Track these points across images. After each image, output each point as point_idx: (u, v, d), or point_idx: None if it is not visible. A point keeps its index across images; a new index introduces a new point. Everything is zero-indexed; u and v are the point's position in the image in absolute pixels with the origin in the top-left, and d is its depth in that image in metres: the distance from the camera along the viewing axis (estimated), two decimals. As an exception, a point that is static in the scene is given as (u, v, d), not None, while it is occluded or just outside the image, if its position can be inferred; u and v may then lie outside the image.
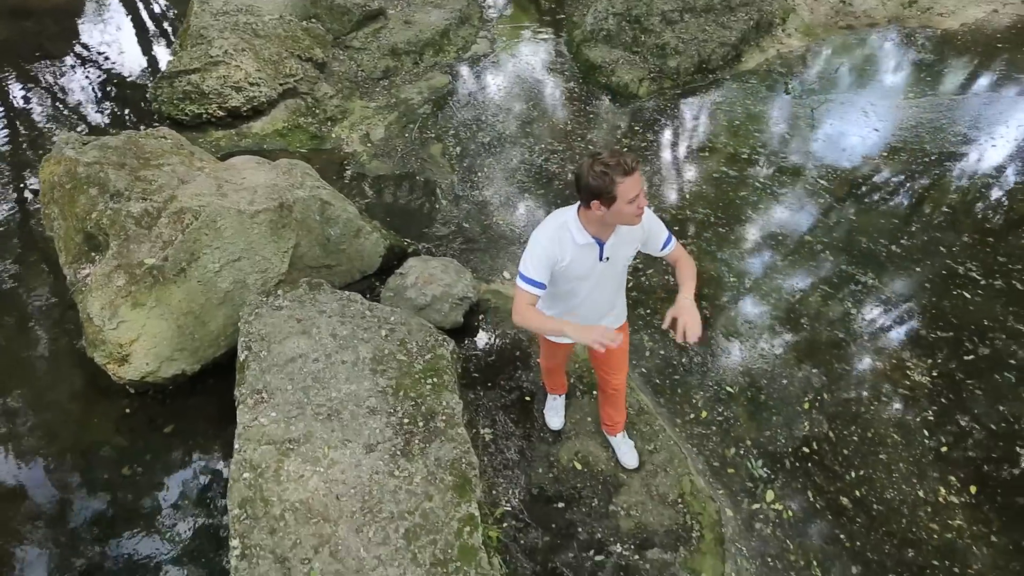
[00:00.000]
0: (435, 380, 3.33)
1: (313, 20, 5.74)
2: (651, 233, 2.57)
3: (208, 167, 4.00)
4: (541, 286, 2.46)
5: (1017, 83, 6.31)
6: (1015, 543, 3.31)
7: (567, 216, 2.44)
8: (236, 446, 2.98)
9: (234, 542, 2.71)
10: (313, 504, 2.81)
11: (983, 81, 6.35)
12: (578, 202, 2.39)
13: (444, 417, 3.19)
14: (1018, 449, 3.67)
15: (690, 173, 5.30)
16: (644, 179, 2.19)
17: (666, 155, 5.47)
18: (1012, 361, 4.02)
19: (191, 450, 3.63)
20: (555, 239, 2.42)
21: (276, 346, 3.37)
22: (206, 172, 3.91)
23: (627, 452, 3.55)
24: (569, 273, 2.52)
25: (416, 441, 3.08)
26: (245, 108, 5.16)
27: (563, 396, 3.69)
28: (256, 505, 2.79)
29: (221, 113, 5.14)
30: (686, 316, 2.33)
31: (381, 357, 3.39)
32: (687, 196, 5.09)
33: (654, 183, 5.14)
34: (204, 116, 5.13)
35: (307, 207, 3.90)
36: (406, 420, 3.16)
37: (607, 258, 2.50)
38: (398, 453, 3.02)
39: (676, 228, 4.77)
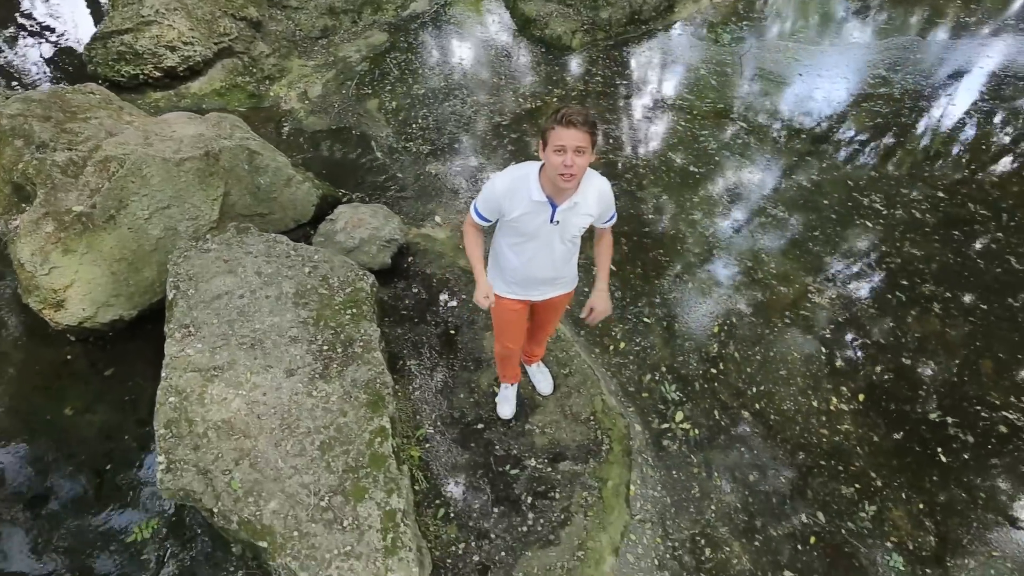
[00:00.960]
0: (354, 311, 3.54)
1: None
2: (606, 208, 2.64)
3: (137, 121, 4.12)
4: (486, 220, 2.64)
5: (936, 28, 6.54)
6: (894, 442, 3.62)
7: (530, 170, 2.48)
8: (163, 374, 3.17)
9: (160, 458, 2.91)
10: (235, 423, 3.02)
11: (905, 27, 6.56)
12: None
13: (362, 343, 3.40)
14: (903, 360, 3.96)
15: (616, 119, 5.48)
16: (587, 144, 2.21)
17: (594, 103, 5.65)
18: (904, 282, 4.30)
19: (130, 389, 3.81)
20: (510, 189, 2.49)
21: (203, 284, 3.55)
22: (135, 125, 4.04)
23: (543, 380, 3.75)
24: (518, 227, 2.58)
25: (334, 365, 3.29)
26: (181, 68, 5.25)
27: (515, 386, 3.67)
28: (181, 425, 3.00)
29: (158, 74, 5.22)
30: (602, 307, 2.80)
31: (304, 292, 3.58)
32: (612, 140, 5.29)
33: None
34: (141, 77, 5.21)
35: (235, 156, 4.05)
36: (325, 347, 3.36)
37: (558, 222, 2.53)
38: (317, 376, 3.24)
39: (600, 170, 4.97)
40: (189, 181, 3.85)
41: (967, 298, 4.27)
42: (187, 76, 5.36)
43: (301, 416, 3.07)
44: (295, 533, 2.74)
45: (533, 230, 2.58)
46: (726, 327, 4.14)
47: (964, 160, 5.21)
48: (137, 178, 3.67)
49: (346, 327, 3.45)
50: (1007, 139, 5.44)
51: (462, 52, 6.12)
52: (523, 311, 3.08)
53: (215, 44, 5.32)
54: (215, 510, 2.81)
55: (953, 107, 5.71)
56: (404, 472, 3.02)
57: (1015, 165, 5.18)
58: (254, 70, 5.55)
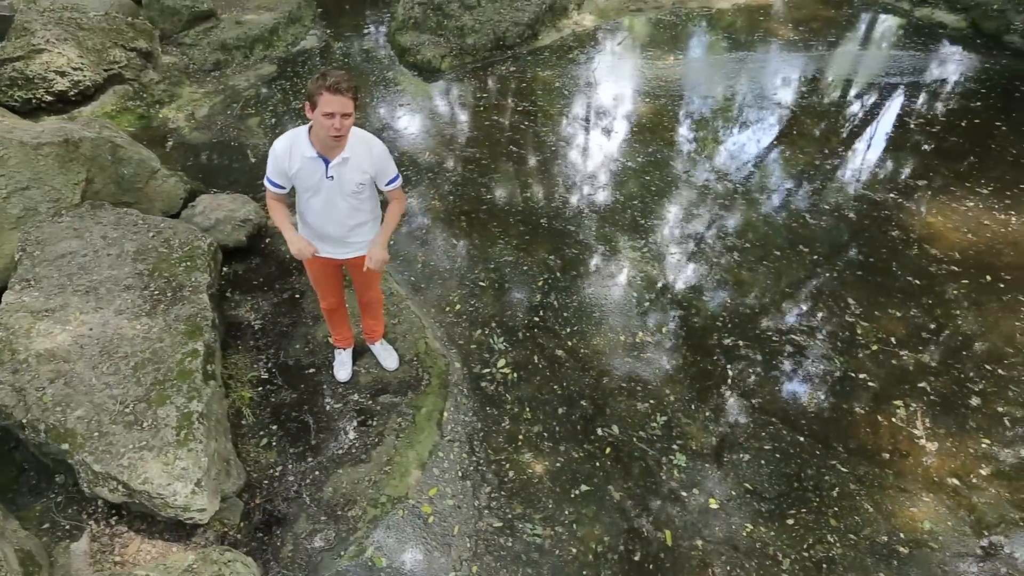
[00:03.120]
0: (189, 264, 3.89)
1: (140, 17, 6.42)
2: (380, 168, 2.98)
3: (8, 120, 4.55)
4: (279, 186, 2.99)
5: (763, 45, 7.41)
6: (690, 364, 4.02)
7: (301, 130, 2.84)
8: (-5, 318, 3.47)
9: (-22, 381, 3.18)
10: (57, 351, 3.31)
11: (738, 45, 7.41)
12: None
13: (191, 288, 3.75)
14: (704, 298, 4.41)
15: (471, 123, 6.09)
16: (352, 109, 2.67)
17: (453, 111, 6.29)
18: (710, 240, 4.81)
19: (-16, 356, 4.06)
20: (286, 147, 2.87)
21: (50, 247, 3.89)
22: (5, 124, 4.47)
23: (387, 357, 3.97)
24: (300, 182, 2.93)
25: (162, 306, 3.62)
26: (72, 92, 5.74)
27: (349, 350, 3.94)
28: (3, 354, 3.27)
29: (49, 98, 5.69)
30: (377, 255, 3.07)
31: (144, 251, 3.94)
32: (463, 140, 5.87)
33: (437, 132, 5.93)
34: (33, 101, 5.66)
35: (97, 147, 4.47)
36: (156, 292, 3.70)
37: (332, 176, 2.88)
38: (143, 314, 3.56)
39: (446, 165, 5.53)
40: (49, 165, 4.25)
41: (765, 247, 4.78)
42: (79, 101, 5.84)
43: (122, 344, 3.37)
44: (95, 434, 2.99)
45: (314, 185, 2.93)
46: (550, 281, 4.56)
47: (772, 141, 5.87)
48: (-5, 159, 4.07)
49: (179, 276, 3.80)
50: (809, 124, 6.14)
51: (345, 79, 6.77)
52: (329, 267, 3.39)
53: (105, 71, 5.84)
54: (24, 421, 3.07)
55: (763, 107, 6.43)
56: (211, 386, 3.31)
57: (815, 140, 5.84)
58: (144, 95, 6.07)
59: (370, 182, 3.03)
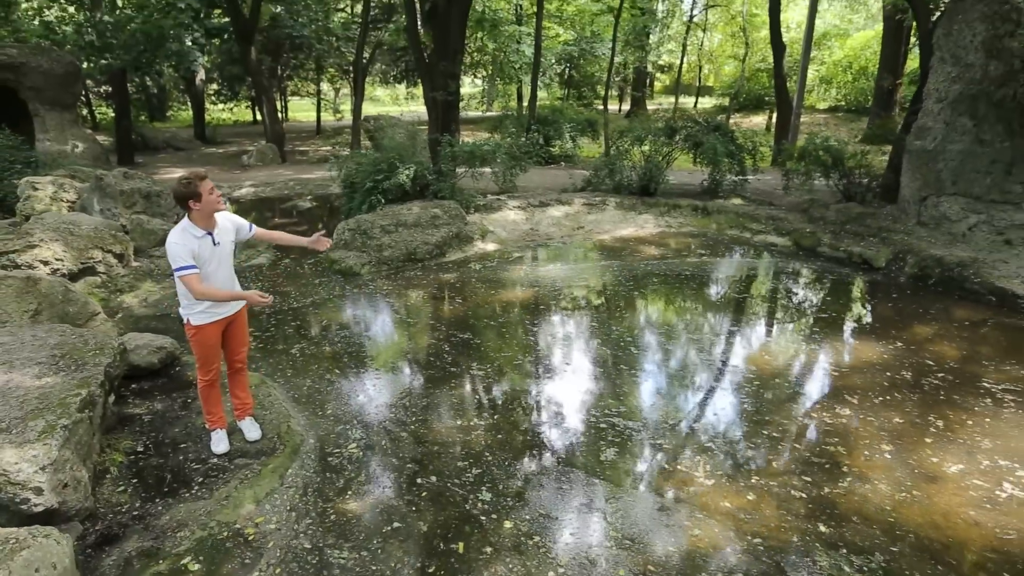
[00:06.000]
0: (96, 351, 4.75)
1: (123, 232, 8.08)
2: (239, 226, 4.31)
3: (-12, 272, 5.77)
4: (195, 267, 4.04)
5: (631, 258, 9.15)
6: (511, 437, 4.67)
7: (184, 223, 3.98)
8: (-79, 375, 4.23)
9: None
10: (-41, 395, 4.02)
11: (609, 258, 9.16)
12: (186, 215, 4.07)
13: (93, 365, 4.56)
14: (534, 394, 5.19)
15: (366, 303, 7.43)
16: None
17: (359, 298, 7.65)
18: (552, 363, 5.76)
19: None
20: (183, 237, 4.00)
21: (-15, 342, 4.79)
22: (-16, 272, 5.68)
23: (252, 429, 4.64)
24: (200, 258, 4.06)
25: (63, 373, 4.41)
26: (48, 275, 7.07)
27: (224, 430, 4.56)
28: (-83, 393, 3.99)
29: (30, 282, 7.00)
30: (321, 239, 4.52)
31: (63, 343, 4.81)
32: (358, 311, 7.11)
33: (341, 309, 7.19)
34: (16, 284, 6.96)
35: (52, 287, 5.63)
36: (63, 365, 4.50)
37: (218, 243, 4.11)
38: (46, 376, 4.33)
39: (338, 321, 6.66)
40: (7, 293, 5.35)
41: (596, 368, 5.70)
42: (54, 286, 7.14)
43: (18, 390, 4.10)
44: (-33, 440, 3.60)
45: (208, 255, 4.08)
46: (409, 391, 5.36)
47: (624, 314, 7.12)
48: (-35, 284, 5.18)
49: (86, 358, 4.64)
50: (662, 301, 7.46)
51: (279, 279, 8.24)
52: (220, 332, 4.39)
53: (82, 264, 7.27)
54: (-86, 432, 3.67)
55: (620, 291, 7.86)
56: (84, 415, 3.96)
57: (667, 310, 7.09)
58: (110, 284, 7.40)
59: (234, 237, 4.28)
